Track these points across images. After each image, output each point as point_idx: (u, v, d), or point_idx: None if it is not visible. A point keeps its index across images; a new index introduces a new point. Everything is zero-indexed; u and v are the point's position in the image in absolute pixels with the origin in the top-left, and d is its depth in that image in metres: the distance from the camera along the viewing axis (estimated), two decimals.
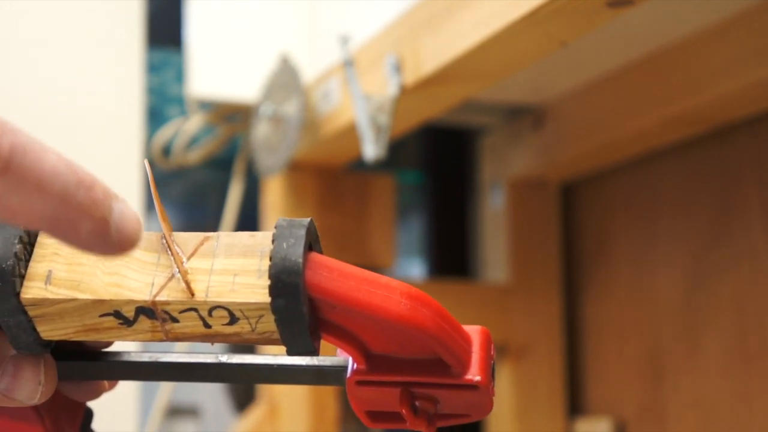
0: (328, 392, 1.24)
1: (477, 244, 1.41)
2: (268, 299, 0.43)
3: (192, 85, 1.28)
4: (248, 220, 1.35)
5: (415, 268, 1.49)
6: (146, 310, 0.44)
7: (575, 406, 1.31)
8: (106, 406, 1.27)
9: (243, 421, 1.27)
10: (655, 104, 1.10)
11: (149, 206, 1.28)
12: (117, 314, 0.45)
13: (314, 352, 0.45)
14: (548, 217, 1.33)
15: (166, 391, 1.35)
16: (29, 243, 0.46)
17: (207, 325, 0.44)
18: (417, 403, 0.46)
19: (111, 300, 0.44)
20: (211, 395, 1.44)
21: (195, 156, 1.39)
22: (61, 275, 0.45)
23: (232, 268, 0.44)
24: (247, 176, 1.37)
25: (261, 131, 1.22)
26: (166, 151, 1.39)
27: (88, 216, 0.39)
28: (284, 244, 0.43)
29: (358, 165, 1.23)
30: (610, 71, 1.14)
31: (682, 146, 1.17)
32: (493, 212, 1.35)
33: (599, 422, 1.25)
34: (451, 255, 1.45)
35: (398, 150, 1.24)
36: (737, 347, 1.10)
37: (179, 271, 0.44)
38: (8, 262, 0.44)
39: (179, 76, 1.43)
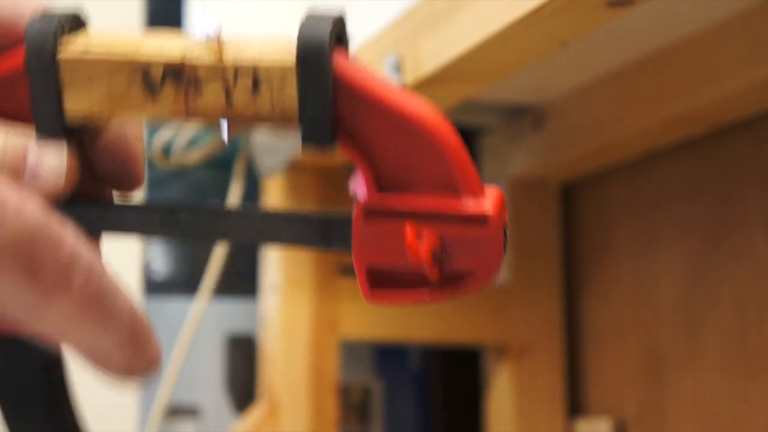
0: (328, 392, 1.24)
1: None
2: (294, 59, 0.44)
3: None
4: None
5: None
6: (175, 71, 0.44)
7: (575, 406, 1.31)
8: (106, 406, 1.27)
9: (243, 421, 1.27)
10: (655, 104, 1.10)
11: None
12: (145, 77, 0.44)
13: (330, 142, 0.44)
14: (548, 217, 1.33)
15: (166, 391, 1.35)
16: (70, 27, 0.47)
17: (228, 100, 0.45)
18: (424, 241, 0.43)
19: (143, 56, 0.45)
20: (211, 395, 1.44)
21: (195, 156, 1.39)
22: (98, 41, 0.47)
23: (261, 42, 0.45)
24: (247, 176, 1.37)
25: (261, 131, 1.21)
26: (166, 151, 1.39)
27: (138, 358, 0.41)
28: (312, 22, 0.45)
29: None
30: (610, 71, 1.14)
31: (682, 146, 1.17)
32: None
33: (599, 422, 1.25)
34: None
35: None
36: (737, 347, 1.10)
37: (211, 36, 0.45)
38: (52, 27, 0.45)
39: None
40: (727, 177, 1.12)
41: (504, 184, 1.32)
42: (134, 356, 0.40)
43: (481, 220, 0.43)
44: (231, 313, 1.43)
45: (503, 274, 1.33)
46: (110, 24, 1.37)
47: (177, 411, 1.43)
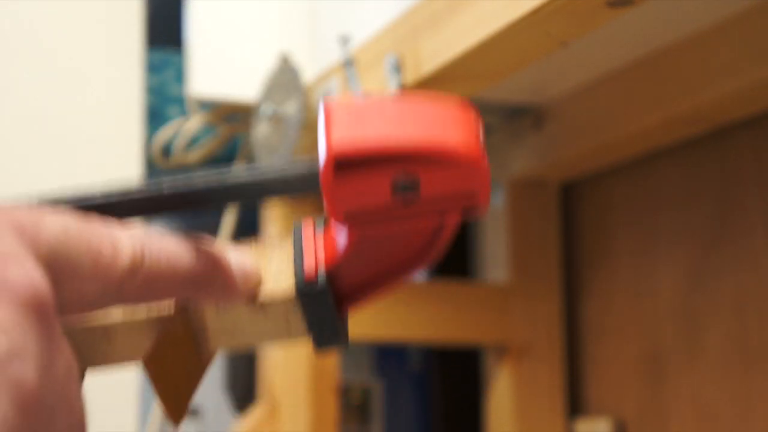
0: (328, 392, 1.24)
1: (477, 244, 1.41)
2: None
3: (192, 85, 1.28)
4: (248, 220, 1.35)
5: None
6: None
7: (575, 406, 1.31)
8: (106, 406, 1.27)
9: (243, 421, 1.27)
10: (655, 104, 1.10)
11: None
12: None
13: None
14: (548, 217, 1.33)
15: None
16: None
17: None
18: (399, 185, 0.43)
19: None
20: (211, 395, 1.44)
21: (195, 156, 1.39)
22: None
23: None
24: None
25: (261, 131, 1.22)
26: (166, 151, 1.39)
27: (215, 274, 0.44)
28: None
29: None
30: (610, 71, 1.14)
31: (682, 146, 1.17)
32: (493, 212, 1.35)
33: (599, 422, 1.25)
34: (451, 255, 1.45)
35: None
36: (737, 347, 1.10)
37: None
38: None
39: (179, 76, 1.43)
40: (727, 177, 1.12)
41: (504, 184, 1.33)
42: (218, 268, 0.44)
43: (455, 158, 0.42)
44: None
45: (503, 275, 1.33)
46: (110, 24, 1.38)
47: None
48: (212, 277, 0.44)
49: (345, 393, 1.40)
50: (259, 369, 1.30)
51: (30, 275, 0.35)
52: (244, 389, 1.44)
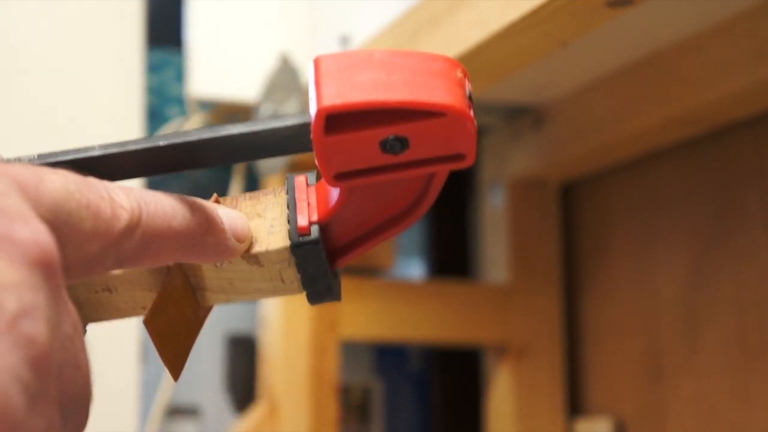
0: (328, 392, 1.24)
1: (477, 244, 1.41)
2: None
3: (192, 85, 1.28)
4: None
5: (415, 268, 1.50)
6: None
7: (575, 406, 1.31)
8: (106, 405, 1.27)
9: (243, 421, 1.27)
10: (655, 104, 1.10)
11: None
12: None
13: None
14: (548, 217, 1.33)
15: (166, 391, 1.35)
16: None
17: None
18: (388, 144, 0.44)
19: None
20: (211, 395, 1.44)
21: None
22: None
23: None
24: (247, 176, 1.37)
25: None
26: None
27: (209, 232, 0.45)
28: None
29: None
30: (610, 71, 1.14)
31: (682, 146, 1.17)
32: (493, 212, 1.35)
33: (599, 422, 1.25)
34: (451, 255, 1.45)
35: None
36: (737, 347, 1.10)
37: None
38: None
39: (179, 76, 1.43)
40: (727, 177, 1.12)
41: (504, 184, 1.33)
42: (211, 224, 0.45)
43: (441, 113, 0.43)
44: (231, 313, 1.43)
45: (503, 275, 1.33)
46: (110, 24, 1.37)
47: (177, 411, 1.43)
48: (206, 234, 0.44)
49: (345, 393, 1.40)
50: (259, 369, 1.30)
51: (37, 233, 0.35)
52: (244, 389, 1.44)
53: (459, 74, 0.44)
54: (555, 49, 0.88)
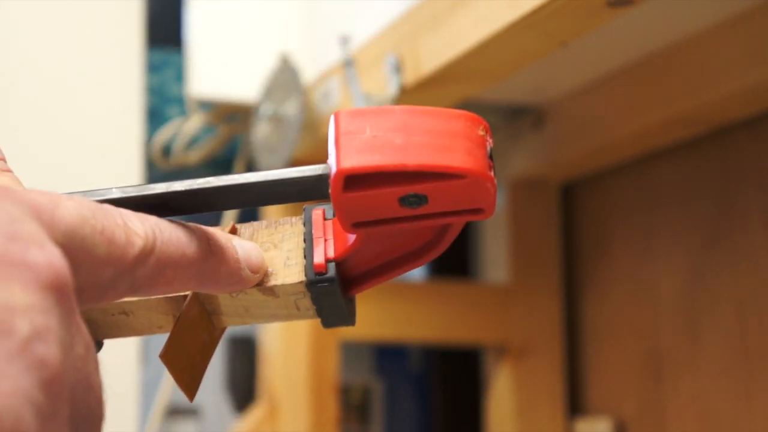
0: (328, 392, 1.24)
1: (477, 244, 1.41)
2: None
3: (192, 85, 1.28)
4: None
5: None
6: None
7: (575, 406, 1.31)
8: (106, 406, 1.26)
9: (243, 421, 1.27)
10: (655, 104, 1.10)
11: None
12: None
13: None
14: (548, 217, 1.33)
15: (166, 391, 1.35)
16: None
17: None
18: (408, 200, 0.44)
19: None
20: (211, 395, 1.44)
21: (195, 156, 1.39)
22: None
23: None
24: None
25: (261, 131, 1.22)
26: (166, 151, 1.39)
27: (223, 262, 0.45)
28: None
29: None
30: (610, 71, 1.14)
31: (682, 146, 1.17)
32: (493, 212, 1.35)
33: (599, 422, 1.25)
34: (451, 255, 1.45)
35: None
36: (737, 347, 1.10)
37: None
38: None
39: (179, 76, 1.43)
40: (727, 177, 1.12)
41: (504, 184, 1.33)
42: (225, 253, 0.45)
43: (461, 175, 0.43)
44: None
45: (503, 275, 1.33)
46: (110, 24, 1.37)
47: (177, 411, 1.43)
48: (220, 264, 0.45)
49: (345, 393, 1.40)
50: (259, 369, 1.30)
51: (50, 257, 0.36)
52: (244, 389, 1.44)
53: (480, 132, 0.43)
54: (555, 49, 0.88)
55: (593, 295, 1.30)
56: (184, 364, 0.49)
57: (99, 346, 0.49)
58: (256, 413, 1.25)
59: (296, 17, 1.30)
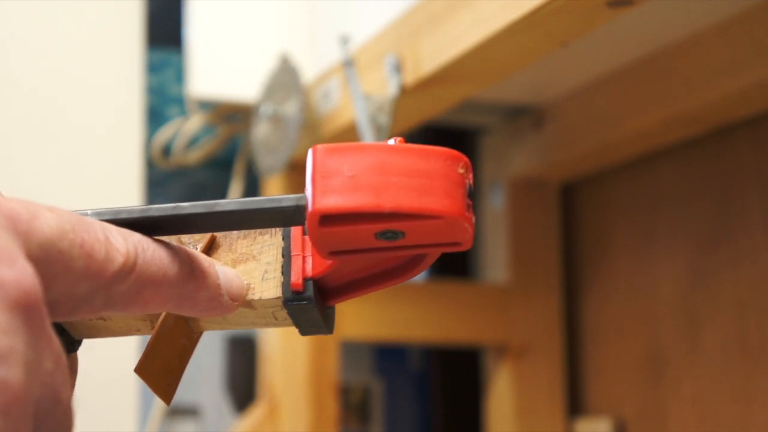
0: (328, 392, 1.24)
1: (477, 244, 1.41)
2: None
3: (192, 85, 1.28)
4: None
5: None
6: None
7: (575, 406, 1.31)
8: (106, 406, 1.26)
9: (243, 421, 1.27)
10: (655, 104, 1.10)
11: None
12: None
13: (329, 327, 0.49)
14: (548, 217, 1.33)
15: None
16: None
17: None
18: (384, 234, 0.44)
19: None
20: (211, 395, 1.44)
21: (195, 156, 1.39)
22: None
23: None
24: (247, 176, 1.37)
25: (261, 131, 1.22)
26: (166, 151, 1.39)
27: (204, 287, 0.44)
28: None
29: None
30: (610, 71, 1.14)
31: (682, 146, 1.17)
32: (493, 212, 1.35)
33: (599, 422, 1.25)
34: (451, 255, 1.45)
35: None
36: (737, 347, 1.10)
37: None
38: None
39: (179, 76, 1.43)
40: (727, 177, 1.12)
41: (504, 184, 1.33)
42: (207, 278, 0.45)
43: (437, 217, 0.43)
44: None
45: (503, 275, 1.33)
46: (110, 24, 1.37)
47: (177, 411, 1.43)
48: (201, 289, 0.44)
49: (345, 393, 1.40)
50: (259, 369, 1.30)
51: (20, 275, 0.35)
52: (244, 389, 1.44)
53: (460, 170, 0.43)
54: (555, 49, 0.88)
55: (593, 295, 1.30)
56: (160, 370, 0.49)
57: (77, 344, 0.48)
58: (256, 413, 1.25)
59: (296, 17, 1.30)
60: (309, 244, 0.48)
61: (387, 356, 1.46)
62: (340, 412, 1.28)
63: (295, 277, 0.47)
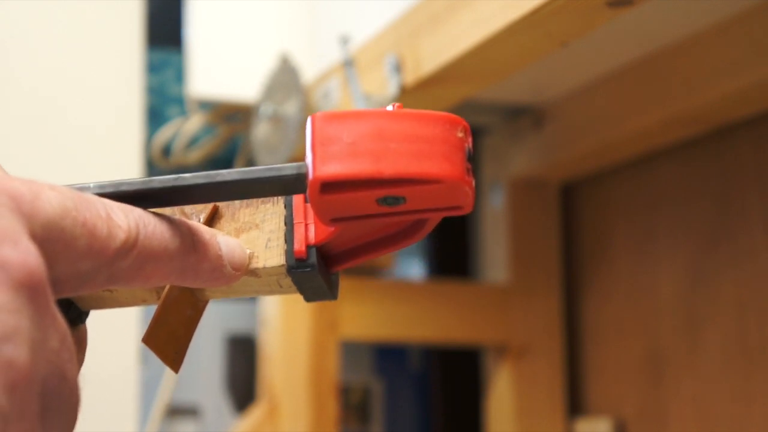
0: (328, 392, 1.24)
1: (477, 244, 1.41)
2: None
3: (192, 85, 1.28)
4: None
5: (415, 268, 1.50)
6: None
7: (575, 406, 1.31)
8: (106, 405, 1.27)
9: (243, 421, 1.27)
10: (655, 104, 1.10)
11: None
12: None
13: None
14: (548, 217, 1.33)
15: (166, 391, 1.35)
16: None
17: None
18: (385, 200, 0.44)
19: None
20: (211, 395, 1.44)
21: (195, 156, 1.39)
22: None
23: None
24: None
25: (261, 131, 1.22)
26: (166, 151, 1.39)
27: (205, 258, 0.44)
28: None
29: None
30: (610, 71, 1.14)
31: (682, 146, 1.17)
32: (493, 212, 1.35)
33: (599, 422, 1.25)
34: (451, 255, 1.45)
35: None
36: (737, 347, 1.10)
37: None
38: None
39: (179, 76, 1.43)
40: (727, 177, 1.12)
41: (504, 184, 1.33)
42: (208, 249, 0.45)
43: (437, 181, 0.43)
44: (231, 313, 1.43)
45: (503, 275, 1.33)
46: (110, 24, 1.37)
47: (177, 411, 1.43)
48: (202, 260, 0.44)
49: (345, 393, 1.40)
50: (259, 369, 1.30)
51: (24, 254, 0.35)
52: (244, 389, 1.44)
53: (459, 133, 0.43)
54: (555, 49, 0.88)
55: (593, 295, 1.30)
56: (168, 339, 0.49)
57: (85, 315, 0.48)
58: (256, 413, 1.25)
59: (296, 17, 1.30)
60: (311, 212, 0.48)
61: (387, 356, 1.46)
62: (340, 412, 1.28)
63: (298, 245, 0.47)
